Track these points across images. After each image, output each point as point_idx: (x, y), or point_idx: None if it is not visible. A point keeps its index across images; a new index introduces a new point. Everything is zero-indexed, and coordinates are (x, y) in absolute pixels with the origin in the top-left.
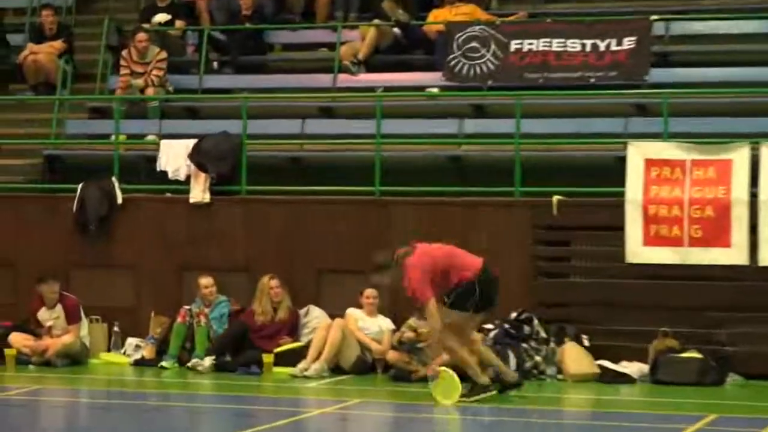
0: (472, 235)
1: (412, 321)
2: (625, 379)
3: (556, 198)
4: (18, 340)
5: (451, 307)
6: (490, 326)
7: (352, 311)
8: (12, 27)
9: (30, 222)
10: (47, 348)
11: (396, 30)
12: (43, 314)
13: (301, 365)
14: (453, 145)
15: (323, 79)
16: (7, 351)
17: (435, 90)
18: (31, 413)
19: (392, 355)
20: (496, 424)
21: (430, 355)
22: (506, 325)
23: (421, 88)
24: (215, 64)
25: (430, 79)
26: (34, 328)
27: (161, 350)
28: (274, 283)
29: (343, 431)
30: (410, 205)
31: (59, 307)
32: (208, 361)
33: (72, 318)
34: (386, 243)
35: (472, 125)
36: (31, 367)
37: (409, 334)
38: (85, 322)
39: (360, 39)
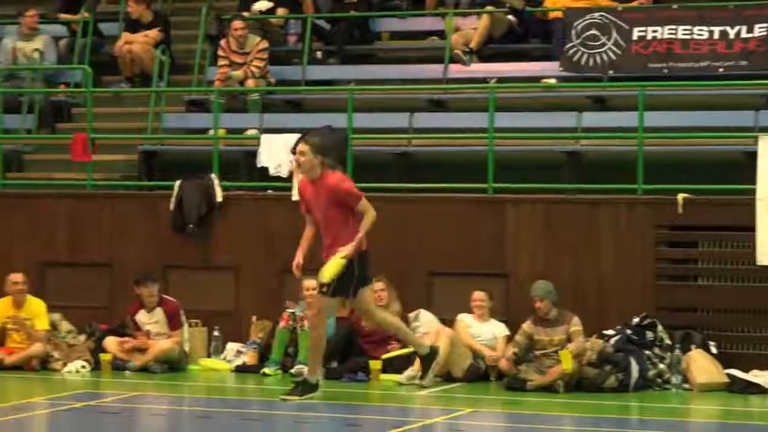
0: (591, 235)
1: (526, 326)
2: (756, 389)
3: (681, 196)
4: (114, 344)
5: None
6: (611, 332)
7: (462, 317)
8: (106, 15)
9: (126, 221)
10: (145, 353)
11: (510, 17)
12: (141, 317)
13: (409, 373)
14: (571, 140)
15: (433, 70)
16: (102, 356)
17: (552, 81)
18: (128, 421)
19: (505, 363)
20: None
21: (545, 364)
22: (628, 331)
23: (537, 79)
24: (319, 54)
25: (547, 69)
26: (132, 332)
27: (263, 356)
28: (378, 286)
29: None
30: (525, 203)
31: (159, 310)
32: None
33: (173, 323)
34: (499, 243)
35: (591, 118)
36: (127, 372)
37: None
38: (185, 326)
39: (472, 27)
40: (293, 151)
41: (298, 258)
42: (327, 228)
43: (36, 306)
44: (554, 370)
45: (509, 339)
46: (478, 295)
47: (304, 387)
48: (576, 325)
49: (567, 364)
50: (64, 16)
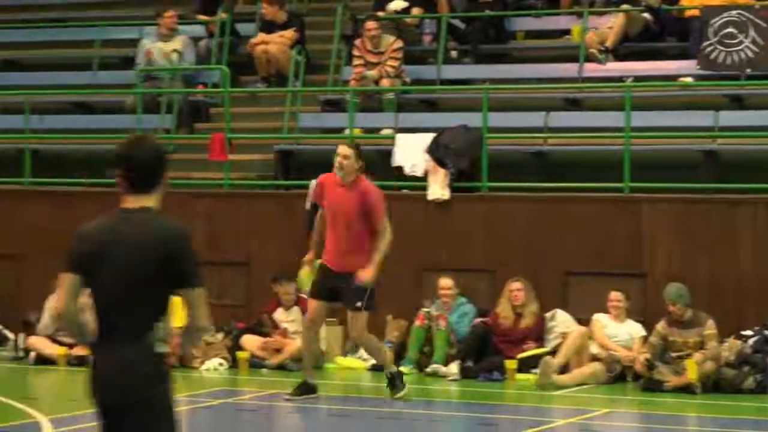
0: (729, 234)
1: (660, 327)
2: None
3: None
4: (251, 342)
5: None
6: (749, 332)
7: (598, 317)
8: (242, 16)
9: (263, 220)
10: (282, 351)
11: (646, 15)
12: (279, 315)
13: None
14: (708, 139)
15: (568, 69)
16: (239, 354)
17: (689, 79)
18: (265, 419)
19: (641, 364)
20: None
21: (682, 365)
22: (767, 332)
23: (674, 78)
24: (454, 53)
25: (684, 67)
26: (269, 330)
27: (399, 355)
28: (515, 286)
29: None
30: (662, 202)
31: (296, 308)
32: (455, 366)
33: None
34: (636, 242)
35: (728, 117)
36: (264, 370)
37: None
38: (323, 326)
39: (608, 25)
40: (428, 151)
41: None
42: (342, 236)
43: (173, 304)
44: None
45: (645, 339)
46: (615, 296)
47: (306, 388)
48: (710, 328)
49: (692, 373)
50: (201, 17)
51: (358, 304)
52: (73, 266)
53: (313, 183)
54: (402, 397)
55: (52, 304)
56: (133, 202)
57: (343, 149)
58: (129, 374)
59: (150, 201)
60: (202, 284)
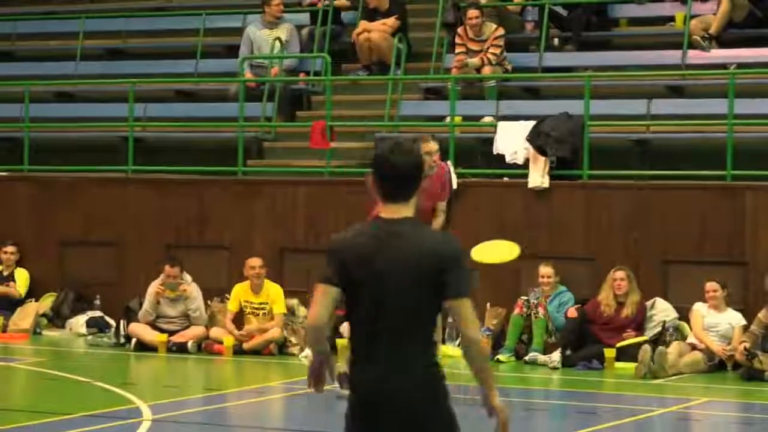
0: None
1: (762, 316)
2: None
3: None
4: None
5: None
6: None
7: (698, 306)
8: (345, 4)
9: (363, 207)
10: None
11: (750, 2)
12: None
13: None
14: None
15: (671, 56)
16: (338, 341)
17: None
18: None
19: (741, 354)
20: None
21: None
22: None
23: None
24: (556, 40)
25: None
26: None
27: (497, 343)
28: (619, 275)
29: None
30: (765, 190)
31: None
32: (556, 355)
33: None
34: (738, 231)
35: None
36: None
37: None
38: None
39: (712, 12)
40: (529, 139)
41: None
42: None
43: (274, 291)
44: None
45: (746, 329)
46: (711, 286)
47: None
48: None
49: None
50: (306, 4)
51: None
52: (333, 279)
53: None
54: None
55: (152, 290)
56: (392, 212)
57: (431, 145)
58: (413, 392)
59: (409, 210)
60: (468, 293)
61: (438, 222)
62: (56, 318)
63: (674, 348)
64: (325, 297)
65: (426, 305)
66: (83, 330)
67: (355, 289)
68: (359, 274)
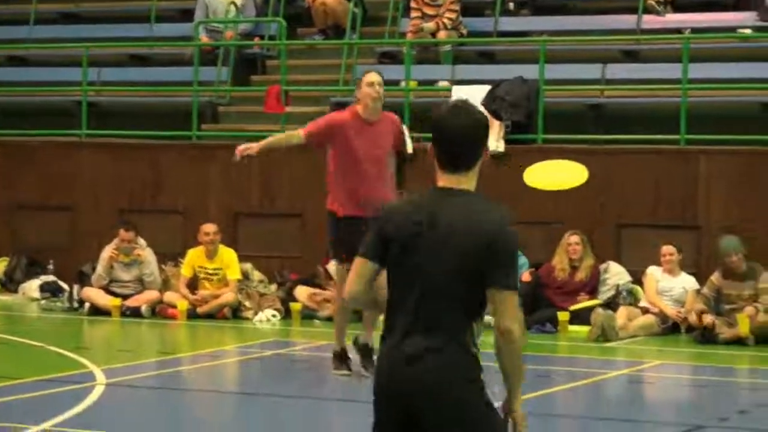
0: None
1: (714, 279)
2: None
3: None
4: (304, 294)
5: None
6: None
7: (652, 270)
8: None
9: (319, 171)
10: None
11: None
12: (333, 267)
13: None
14: (766, 91)
15: (626, 21)
16: (292, 305)
17: (747, 31)
18: (315, 369)
19: (695, 317)
20: None
21: (736, 317)
22: None
23: (732, 29)
24: (511, 5)
25: (743, 19)
26: (323, 282)
27: None
28: (573, 239)
29: (638, 394)
30: (718, 155)
31: None
32: None
33: None
34: (691, 197)
35: None
36: (316, 322)
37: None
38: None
39: None
40: (484, 103)
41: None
42: (371, 176)
43: (228, 256)
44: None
45: (699, 293)
46: (667, 249)
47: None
48: (765, 281)
49: (744, 326)
50: None
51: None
52: (370, 253)
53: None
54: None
55: (106, 254)
56: (449, 181)
57: (376, 76)
58: (445, 374)
59: (470, 182)
60: (516, 287)
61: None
62: (9, 283)
63: (622, 312)
64: (359, 271)
65: (472, 287)
66: (36, 294)
67: (398, 259)
68: (400, 248)
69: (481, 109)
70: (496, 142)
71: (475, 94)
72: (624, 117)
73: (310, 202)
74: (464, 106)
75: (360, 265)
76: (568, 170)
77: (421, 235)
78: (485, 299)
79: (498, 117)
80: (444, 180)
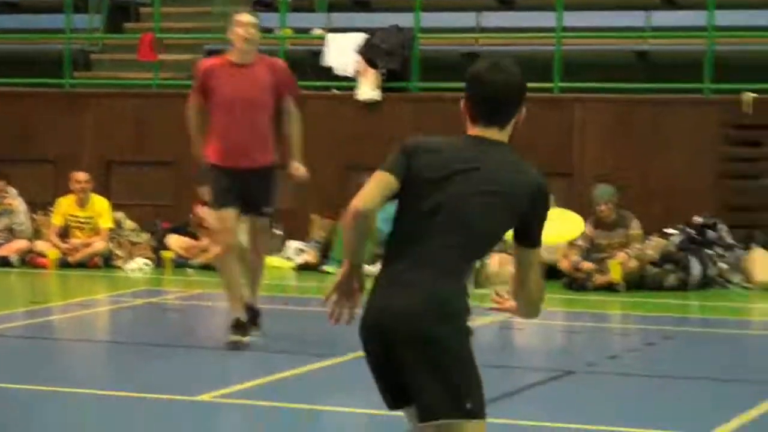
0: (658, 135)
1: (586, 229)
2: None
3: (749, 95)
4: (176, 242)
5: None
6: (673, 231)
7: None
8: None
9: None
10: (207, 251)
11: None
12: (204, 213)
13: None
14: (639, 39)
15: None
16: (164, 253)
17: None
18: (189, 317)
19: (566, 264)
20: (679, 334)
21: (607, 265)
22: (690, 230)
23: None
24: None
25: None
26: (195, 230)
27: (324, 254)
28: None
29: (508, 341)
30: (592, 102)
31: None
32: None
33: None
34: (565, 145)
35: (660, 17)
36: (189, 270)
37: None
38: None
39: None
40: (359, 51)
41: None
42: (246, 126)
43: (100, 204)
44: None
45: (572, 243)
46: None
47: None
48: (635, 228)
49: (616, 273)
50: None
51: (269, 209)
52: (396, 169)
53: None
54: (237, 341)
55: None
56: (484, 132)
57: (248, 17)
58: (433, 306)
59: (504, 136)
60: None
61: (296, 128)
62: None
63: (494, 258)
64: (380, 183)
65: (489, 233)
66: None
67: (420, 193)
68: (426, 176)
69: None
70: (371, 91)
71: (350, 43)
72: None
73: (182, 151)
74: (503, 63)
75: (383, 178)
76: (563, 221)
77: (450, 168)
78: (494, 247)
79: (373, 65)
80: (477, 131)
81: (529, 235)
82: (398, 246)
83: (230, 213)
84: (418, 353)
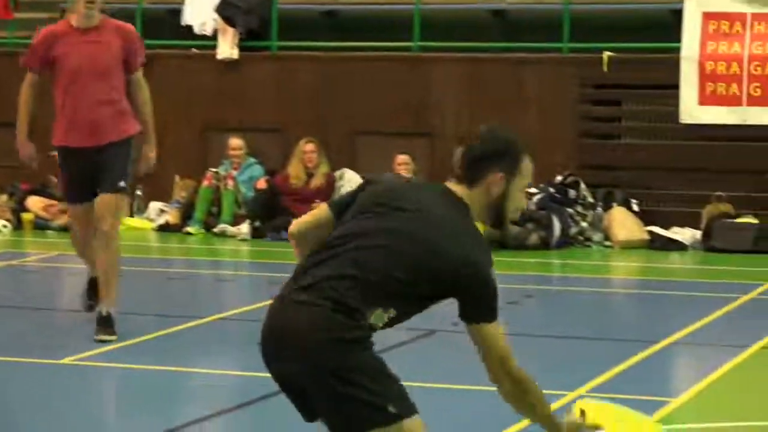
0: (516, 93)
1: None
2: (676, 245)
3: (606, 54)
4: (36, 203)
5: None
6: (534, 190)
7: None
8: None
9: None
10: (67, 212)
11: None
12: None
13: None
14: None
15: None
16: (24, 215)
17: None
18: (49, 280)
19: None
20: (540, 293)
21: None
22: (551, 189)
23: None
24: None
25: None
26: (54, 191)
27: (186, 215)
28: (309, 147)
29: None
30: (451, 61)
31: None
32: (245, 226)
33: None
34: (424, 104)
35: None
36: (49, 232)
37: None
38: None
39: None
40: (217, 10)
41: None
42: (93, 100)
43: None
44: None
45: None
46: (402, 158)
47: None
48: None
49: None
50: None
51: (122, 183)
52: (333, 204)
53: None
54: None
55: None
56: (453, 186)
57: None
58: (329, 335)
59: (473, 198)
60: (496, 318)
61: (148, 107)
62: None
63: None
64: (316, 212)
65: (381, 281)
66: None
67: (343, 216)
68: (356, 204)
69: (513, 136)
70: (230, 50)
71: (208, 1)
72: (358, 25)
73: (41, 109)
74: (497, 128)
75: (321, 207)
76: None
77: (387, 208)
78: (408, 308)
79: (232, 24)
80: (449, 183)
81: (464, 311)
82: (306, 261)
83: (81, 209)
84: (311, 383)
